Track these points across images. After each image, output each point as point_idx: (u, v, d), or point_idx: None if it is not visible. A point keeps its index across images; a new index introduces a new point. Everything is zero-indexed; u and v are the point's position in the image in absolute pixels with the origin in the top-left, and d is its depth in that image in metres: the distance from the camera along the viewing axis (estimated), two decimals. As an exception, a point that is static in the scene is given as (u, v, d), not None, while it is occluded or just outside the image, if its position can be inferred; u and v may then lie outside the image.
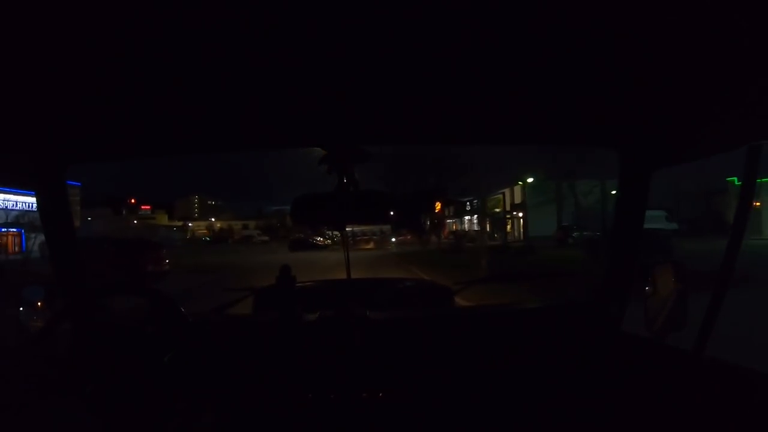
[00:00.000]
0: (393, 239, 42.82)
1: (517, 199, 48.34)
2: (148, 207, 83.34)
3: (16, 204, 39.45)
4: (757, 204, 30.47)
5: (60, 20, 0.98)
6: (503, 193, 51.23)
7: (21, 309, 2.01)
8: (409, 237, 42.97)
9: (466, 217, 58.94)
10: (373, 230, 40.86)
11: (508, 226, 50.52)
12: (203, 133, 1.93)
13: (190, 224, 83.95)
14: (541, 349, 2.03)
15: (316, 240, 45.46)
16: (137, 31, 1.07)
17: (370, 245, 40.22)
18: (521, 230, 47.31)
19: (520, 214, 47.97)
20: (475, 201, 53.62)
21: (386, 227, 38.23)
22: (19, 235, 37.45)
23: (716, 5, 0.99)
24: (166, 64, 1.25)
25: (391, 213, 1.94)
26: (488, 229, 49.67)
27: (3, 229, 35.29)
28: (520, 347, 2.02)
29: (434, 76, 1.40)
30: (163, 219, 79.00)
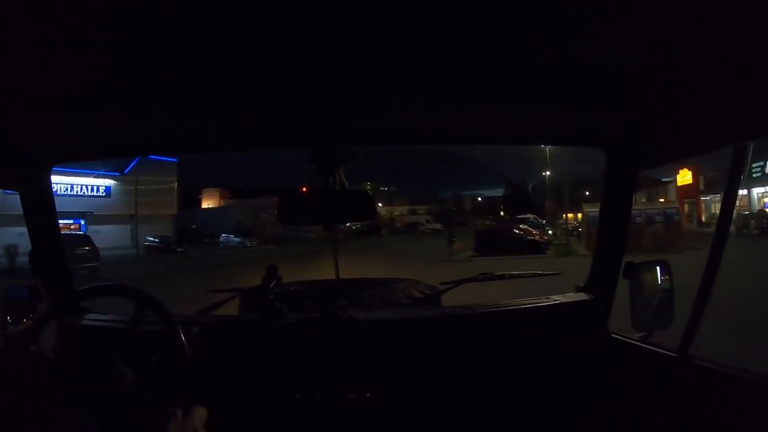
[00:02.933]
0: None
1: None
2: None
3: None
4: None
5: (49, 19, 0.97)
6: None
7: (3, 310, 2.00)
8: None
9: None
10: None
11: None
12: (191, 132, 1.92)
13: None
14: (527, 348, 2.03)
15: (528, 232, 29.14)
16: (126, 33, 1.06)
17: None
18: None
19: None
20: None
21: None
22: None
23: (703, 6, 1.00)
24: (152, 64, 1.24)
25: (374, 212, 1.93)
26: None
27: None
28: (505, 347, 2.02)
29: (424, 76, 1.40)
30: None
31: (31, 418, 0.73)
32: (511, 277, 2.61)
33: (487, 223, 43.99)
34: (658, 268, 2.04)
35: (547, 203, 53.32)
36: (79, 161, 2.21)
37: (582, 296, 2.16)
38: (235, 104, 1.61)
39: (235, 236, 45.61)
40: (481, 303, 2.14)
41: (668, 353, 1.78)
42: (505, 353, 2.00)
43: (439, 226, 59.28)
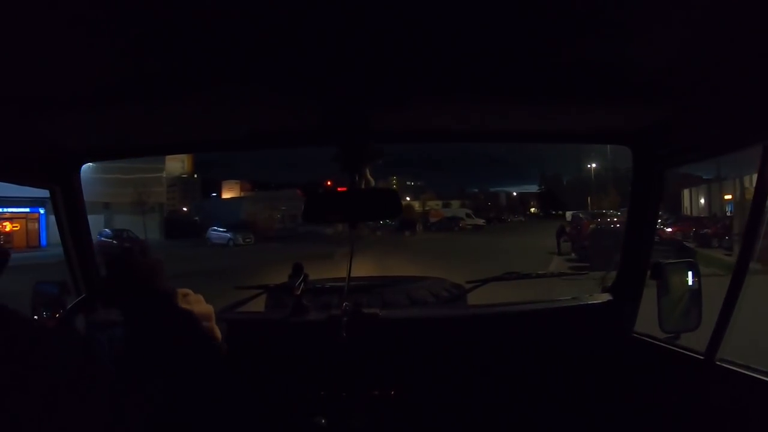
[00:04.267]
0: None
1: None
2: (344, 189, 75.14)
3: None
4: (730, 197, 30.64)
5: (73, 22, 1.00)
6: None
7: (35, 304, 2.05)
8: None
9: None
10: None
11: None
12: (217, 130, 1.95)
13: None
14: (553, 348, 2.01)
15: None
16: (152, 33, 1.08)
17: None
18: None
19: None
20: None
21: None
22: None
23: (730, 2, 0.99)
24: (180, 64, 1.26)
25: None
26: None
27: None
28: (531, 347, 2.01)
29: (451, 73, 1.40)
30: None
31: (65, 407, 0.75)
32: (538, 276, 2.58)
33: (599, 220, 30.80)
34: (686, 268, 2.00)
35: (590, 199, 51.16)
36: (108, 160, 2.28)
37: (608, 297, 2.13)
38: (262, 103, 1.64)
39: (226, 231, 33.67)
40: (507, 302, 2.12)
41: (695, 355, 1.74)
42: (531, 353, 1.99)
43: (482, 221, 50.30)
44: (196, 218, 44.86)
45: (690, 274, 1.99)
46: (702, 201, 42.28)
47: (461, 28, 1.12)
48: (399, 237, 28.66)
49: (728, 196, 32.69)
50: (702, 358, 1.69)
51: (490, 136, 2.16)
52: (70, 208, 2.15)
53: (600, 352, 2.02)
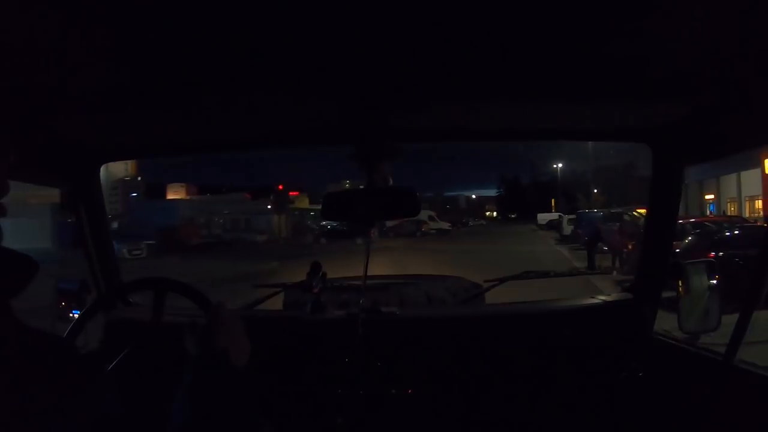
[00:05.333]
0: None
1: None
2: (296, 193, 67.93)
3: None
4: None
5: (90, 23, 1.01)
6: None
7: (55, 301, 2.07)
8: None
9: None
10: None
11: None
12: (235, 129, 1.95)
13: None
14: (571, 348, 2.01)
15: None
16: (166, 35, 1.09)
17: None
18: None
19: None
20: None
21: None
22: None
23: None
24: (197, 62, 1.26)
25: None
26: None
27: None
28: (551, 347, 2.01)
29: (467, 70, 1.39)
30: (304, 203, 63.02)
31: (75, 405, 0.73)
32: (556, 275, 2.61)
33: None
34: (705, 268, 2.01)
35: (554, 201, 50.79)
36: (126, 159, 2.26)
37: (627, 296, 2.14)
38: (278, 102, 1.64)
39: (117, 240, 15.19)
40: (524, 301, 2.14)
41: (714, 357, 1.75)
42: (550, 352, 1.98)
43: (447, 225, 46.42)
44: (115, 225, 34.10)
45: (709, 273, 1.99)
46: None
47: (478, 26, 1.12)
48: (351, 246, 18.82)
49: (709, 196, 31.62)
50: (721, 359, 1.69)
51: (508, 135, 2.16)
52: (89, 208, 2.17)
53: (619, 351, 2.02)
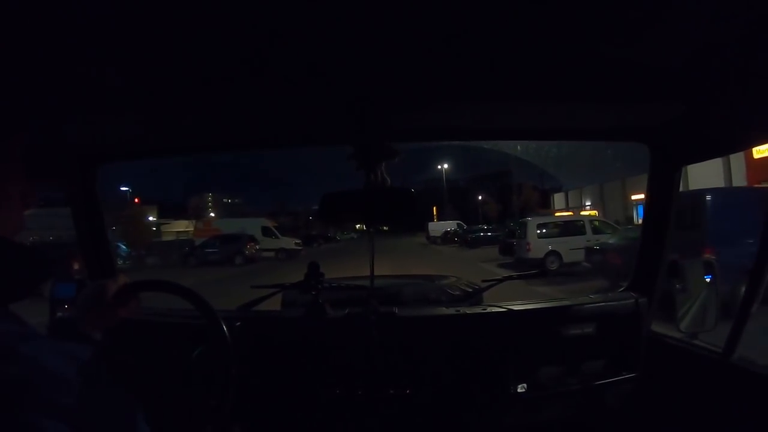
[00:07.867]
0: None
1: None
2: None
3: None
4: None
5: (89, 25, 1.02)
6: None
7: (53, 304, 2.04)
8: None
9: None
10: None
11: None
12: (232, 131, 1.96)
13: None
14: (571, 347, 2.01)
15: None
16: (165, 36, 1.10)
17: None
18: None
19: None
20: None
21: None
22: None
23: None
24: (196, 64, 1.27)
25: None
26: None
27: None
28: (548, 346, 2.01)
29: (463, 72, 1.40)
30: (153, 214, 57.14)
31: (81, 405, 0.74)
32: (554, 274, 2.58)
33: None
34: (703, 267, 2.01)
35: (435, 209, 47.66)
36: (124, 161, 2.28)
37: (626, 295, 2.14)
38: (277, 104, 1.64)
39: None
40: (523, 301, 2.12)
41: (712, 354, 1.76)
42: (548, 352, 1.98)
43: (294, 242, 32.67)
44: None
45: (707, 272, 1.99)
46: (588, 203, 37.60)
47: (476, 27, 1.13)
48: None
49: (637, 196, 28.19)
50: (719, 357, 1.70)
51: (506, 135, 2.16)
52: (87, 210, 2.19)
53: (617, 350, 2.02)
